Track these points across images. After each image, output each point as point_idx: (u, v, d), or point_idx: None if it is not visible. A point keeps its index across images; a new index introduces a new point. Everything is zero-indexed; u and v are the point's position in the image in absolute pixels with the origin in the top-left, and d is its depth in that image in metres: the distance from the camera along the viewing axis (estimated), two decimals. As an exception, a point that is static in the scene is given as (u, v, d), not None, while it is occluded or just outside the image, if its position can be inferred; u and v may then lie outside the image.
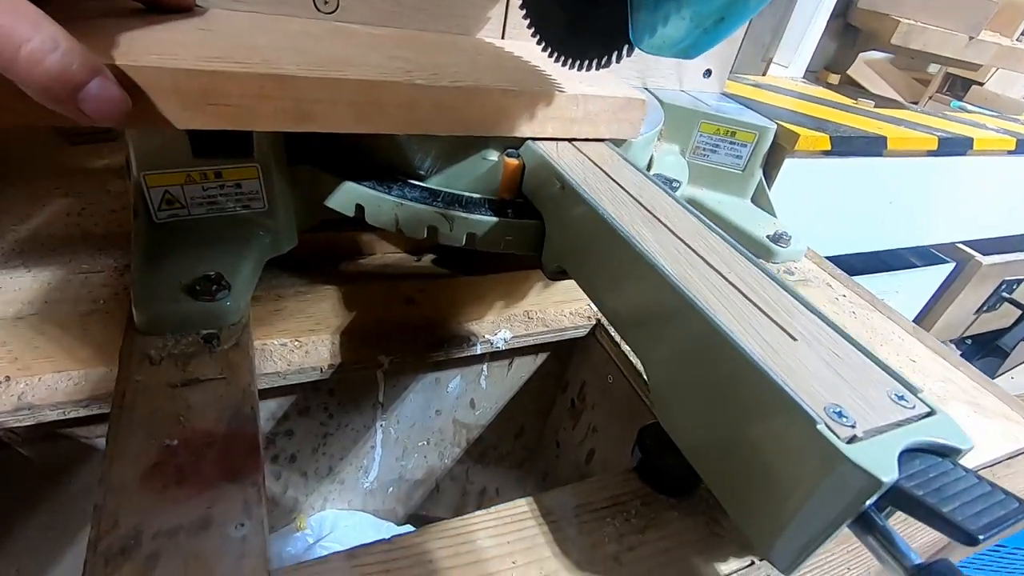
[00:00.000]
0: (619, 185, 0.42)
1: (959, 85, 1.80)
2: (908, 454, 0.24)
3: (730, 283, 0.33)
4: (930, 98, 1.79)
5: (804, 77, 1.00)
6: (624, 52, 0.36)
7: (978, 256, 1.01)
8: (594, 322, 0.64)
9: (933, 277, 1.02)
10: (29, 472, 0.48)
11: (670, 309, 0.32)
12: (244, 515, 0.28)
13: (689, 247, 0.35)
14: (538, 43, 0.43)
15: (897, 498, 0.23)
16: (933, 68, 1.88)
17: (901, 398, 0.27)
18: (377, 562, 0.28)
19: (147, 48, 0.33)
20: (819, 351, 0.29)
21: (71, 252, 0.48)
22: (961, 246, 1.04)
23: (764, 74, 0.93)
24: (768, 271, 0.35)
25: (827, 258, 0.82)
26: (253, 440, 0.31)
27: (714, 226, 0.38)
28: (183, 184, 0.40)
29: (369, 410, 0.62)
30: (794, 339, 0.29)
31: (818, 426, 0.24)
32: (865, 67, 1.70)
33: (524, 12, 0.44)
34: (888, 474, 0.22)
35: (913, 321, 1.18)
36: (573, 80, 0.47)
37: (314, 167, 0.45)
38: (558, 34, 0.42)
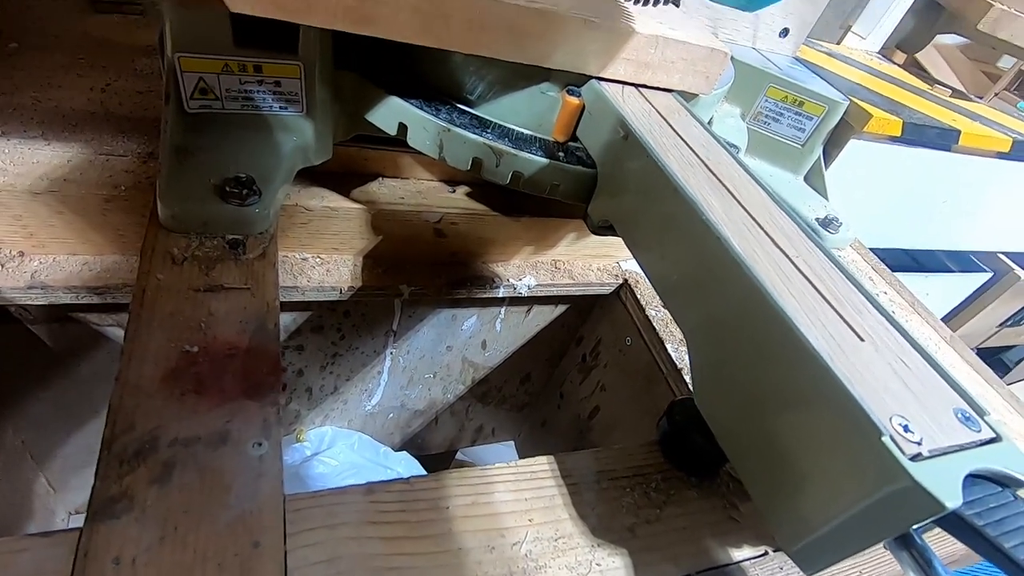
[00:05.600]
0: (686, 143, 0.38)
1: (1029, 85, 1.69)
2: (969, 479, 0.23)
3: (798, 269, 0.30)
4: (996, 94, 1.69)
5: (879, 52, 0.93)
6: None
7: (1017, 269, 0.98)
8: (621, 281, 0.62)
9: (967, 284, 0.99)
10: (39, 351, 0.48)
11: (732, 287, 0.29)
12: (263, 434, 0.27)
13: (757, 222, 0.33)
14: None
15: (952, 524, 0.22)
16: (1004, 64, 1.76)
17: (967, 419, 0.25)
18: (394, 500, 0.27)
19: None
20: (886, 356, 0.27)
21: (93, 131, 0.45)
22: (1002, 256, 1.00)
23: (839, 42, 0.86)
24: (836, 260, 0.32)
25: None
26: (275, 358, 0.30)
27: (782, 200, 0.36)
28: (219, 73, 0.37)
29: (381, 337, 0.61)
30: (861, 339, 0.27)
31: (883, 438, 0.22)
32: (934, 52, 1.59)
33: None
34: (952, 500, 0.21)
35: (934, 325, 1.16)
36: (652, 20, 0.43)
37: (360, 75, 0.42)
38: None
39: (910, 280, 0.95)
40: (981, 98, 1.56)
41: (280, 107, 0.40)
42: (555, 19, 0.37)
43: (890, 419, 0.23)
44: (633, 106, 0.41)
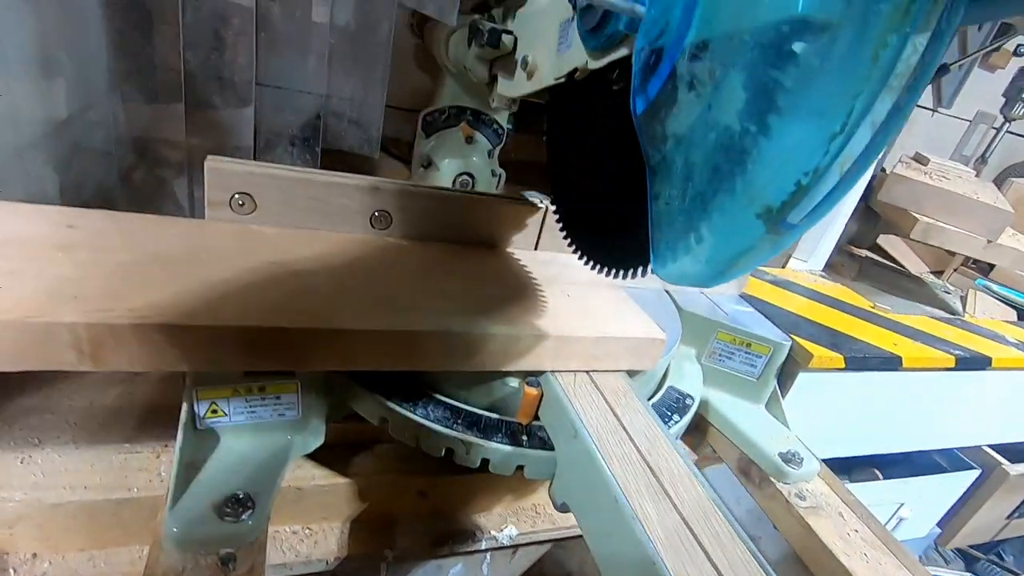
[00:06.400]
0: (629, 437, 0.44)
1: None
2: None
3: (727, 587, 0.34)
4: (955, 270, 1.81)
5: (823, 270, 1.05)
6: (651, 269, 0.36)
7: (1005, 464, 0.99)
8: (601, 522, 0.64)
9: (958, 483, 0.98)
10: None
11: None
12: None
13: (691, 531, 0.37)
14: (575, 252, 0.49)
15: None
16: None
17: None
18: None
19: (228, 302, 0.38)
20: None
21: (117, 427, 0.51)
22: (987, 450, 1.01)
23: (784, 266, 0.97)
24: (765, 566, 0.35)
25: (850, 458, 0.81)
26: None
27: (718, 499, 0.40)
28: (229, 397, 0.44)
29: (368, 593, 0.61)
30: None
31: None
32: (892, 236, 1.75)
33: (565, 234, 0.50)
34: None
35: (939, 524, 1.13)
36: (598, 314, 0.51)
37: (348, 377, 0.49)
38: (595, 254, 0.47)
39: (902, 486, 0.95)
40: (941, 273, 1.69)
41: (279, 415, 0.46)
42: (510, 340, 0.44)
43: None
44: (583, 398, 0.47)
